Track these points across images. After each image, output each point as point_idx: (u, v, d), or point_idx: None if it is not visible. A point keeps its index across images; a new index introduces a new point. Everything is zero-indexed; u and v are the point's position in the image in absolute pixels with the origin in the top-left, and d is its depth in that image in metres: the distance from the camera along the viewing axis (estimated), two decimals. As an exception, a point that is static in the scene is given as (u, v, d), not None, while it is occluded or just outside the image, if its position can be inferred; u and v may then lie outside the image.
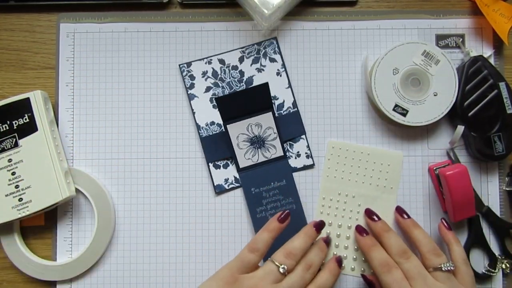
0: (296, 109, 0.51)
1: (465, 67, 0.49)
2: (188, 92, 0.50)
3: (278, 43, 0.51)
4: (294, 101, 0.51)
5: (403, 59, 0.49)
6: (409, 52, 0.49)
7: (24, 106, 0.48)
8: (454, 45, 0.52)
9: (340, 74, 0.51)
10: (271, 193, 0.49)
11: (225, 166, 0.50)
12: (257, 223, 0.49)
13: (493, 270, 0.49)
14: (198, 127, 0.50)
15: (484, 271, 0.49)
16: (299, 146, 0.50)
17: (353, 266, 0.49)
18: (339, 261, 0.46)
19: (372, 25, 0.52)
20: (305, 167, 0.50)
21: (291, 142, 0.50)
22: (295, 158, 0.50)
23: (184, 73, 0.51)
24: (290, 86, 0.51)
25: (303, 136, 0.50)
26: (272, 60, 0.51)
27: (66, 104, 0.51)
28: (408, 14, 0.52)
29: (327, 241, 0.47)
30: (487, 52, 0.51)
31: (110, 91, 0.51)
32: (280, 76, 0.51)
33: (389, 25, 0.52)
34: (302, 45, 0.52)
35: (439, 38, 0.52)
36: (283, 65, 0.51)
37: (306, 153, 0.50)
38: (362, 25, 0.52)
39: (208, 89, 0.51)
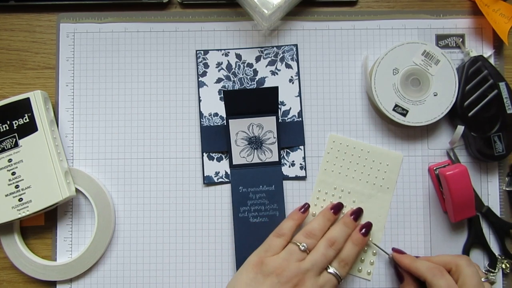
0: (300, 119, 0.51)
1: (465, 67, 0.49)
2: (199, 79, 0.51)
3: (297, 51, 0.51)
4: (301, 110, 0.51)
5: (403, 59, 0.49)
6: (409, 52, 0.49)
7: (24, 106, 0.48)
8: (454, 45, 0.52)
9: (340, 74, 0.51)
10: (257, 195, 0.49)
11: (219, 159, 0.50)
12: (238, 222, 0.49)
13: (493, 270, 0.49)
14: (201, 115, 0.50)
15: (484, 271, 0.49)
16: (296, 155, 0.50)
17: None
18: (364, 228, 0.47)
19: (372, 25, 0.52)
20: (297, 178, 0.50)
21: (288, 150, 0.50)
22: (289, 166, 0.50)
23: (199, 60, 0.51)
24: (300, 95, 0.51)
25: (301, 147, 0.50)
26: (288, 66, 0.51)
27: (66, 104, 0.51)
28: (408, 14, 0.52)
29: (356, 215, 0.48)
30: (487, 52, 0.51)
31: (110, 91, 0.51)
32: (292, 83, 0.51)
33: (389, 25, 0.52)
34: (302, 45, 0.52)
35: (439, 38, 0.52)
36: (298, 73, 0.51)
37: (300, 164, 0.50)
38: (362, 25, 0.52)
39: (219, 80, 0.51)
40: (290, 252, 0.44)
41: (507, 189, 0.50)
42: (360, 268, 0.49)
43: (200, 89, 0.51)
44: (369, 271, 0.49)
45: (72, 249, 0.50)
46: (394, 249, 0.49)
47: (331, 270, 0.44)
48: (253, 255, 0.45)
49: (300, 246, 0.44)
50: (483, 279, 0.44)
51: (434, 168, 0.50)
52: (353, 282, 0.49)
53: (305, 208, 0.48)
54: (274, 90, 0.47)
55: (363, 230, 0.47)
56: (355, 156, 0.50)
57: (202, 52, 0.51)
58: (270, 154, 0.50)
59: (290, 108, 0.51)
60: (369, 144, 0.51)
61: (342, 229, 0.46)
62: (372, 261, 0.49)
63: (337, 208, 0.48)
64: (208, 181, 0.50)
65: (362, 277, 0.49)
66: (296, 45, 0.51)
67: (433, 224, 0.50)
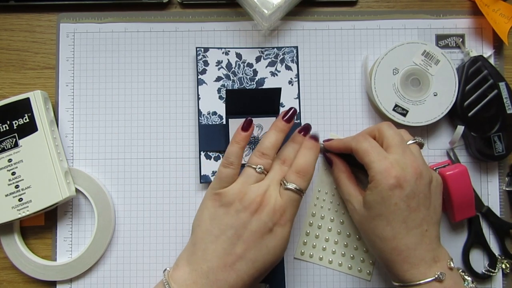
0: (299, 121, 0.50)
1: (465, 67, 0.49)
2: (198, 77, 0.50)
3: (297, 53, 0.51)
4: (300, 112, 0.51)
5: (403, 59, 0.49)
6: (409, 52, 0.49)
7: (24, 106, 0.48)
8: (454, 45, 0.52)
9: (340, 74, 0.51)
10: None
11: (216, 158, 0.50)
12: None
13: (493, 270, 0.49)
14: (199, 113, 0.50)
15: (484, 271, 0.49)
16: None
17: (340, 262, 0.49)
18: (314, 137, 0.45)
19: (372, 25, 0.52)
20: None
21: None
22: None
23: (199, 57, 0.50)
24: (299, 97, 0.51)
25: None
26: (288, 67, 0.51)
27: (66, 104, 0.51)
28: (408, 14, 0.52)
29: (305, 131, 0.45)
30: (487, 52, 0.51)
31: (110, 91, 0.51)
32: (292, 85, 0.51)
33: (389, 25, 0.52)
34: (302, 45, 0.52)
35: (439, 38, 0.52)
36: (297, 75, 0.51)
37: None
38: (362, 25, 0.52)
39: (218, 78, 0.51)
40: (247, 176, 0.42)
41: (507, 189, 0.50)
42: (360, 268, 0.49)
43: (199, 86, 0.51)
44: (369, 271, 0.49)
45: (72, 249, 0.50)
46: (324, 140, 0.50)
47: (288, 185, 0.41)
48: (209, 190, 0.43)
49: (257, 169, 0.42)
50: (410, 141, 0.44)
51: (434, 168, 0.50)
52: (353, 282, 0.49)
53: (247, 125, 0.44)
54: (277, 91, 0.47)
55: (313, 138, 0.45)
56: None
57: (202, 49, 0.51)
58: None
59: None
60: (369, 144, 0.51)
61: (292, 147, 0.44)
62: (372, 261, 0.50)
63: (290, 116, 0.45)
64: (205, 181, 0.50)
65: (362, 277, 0.49)
66: (296, 47, 0.51)
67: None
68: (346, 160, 0.49)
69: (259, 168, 0.42)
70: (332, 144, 0.48)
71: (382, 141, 0.43)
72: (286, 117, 0.45)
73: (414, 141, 0.45)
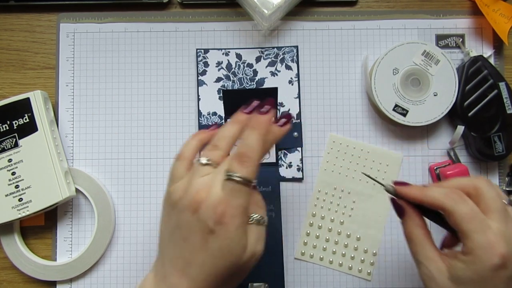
0: (299, 120, 0.50)
1: (465, 67, 0.49)
2: (199, 78, 0.51)
3: (298, 52, 0.51)
4: (299, 112, 0.51)
5: (403, 59, 0.49)
6: (409, 52, 0.49)
7: (24, 106, 0.48)
8: (454, 45, 0.52)
9: (340, 74, 0.51)
10: None
11: None
12: None
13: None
14: (199, 114, 0.50)
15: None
16: (293, 157, 0.50)
17: (341, 262, 0.49)
18: (265, 105, 0.37)
19: (372, 25, 0.52)
20: (293, 179, 0.50)
21: (285, 151, 0.50)
22: (286, 168, 0.50)
23: (199, 58, 0.51)
24: (299, 97, 0.51)
25: (299, 149, 0.50)
26: (288, 67, 0.51)
27: (66, 104, 0.51)
28: (408, 14, 0.52)
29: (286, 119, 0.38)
30: (487, 52, 0.51)
31: (110, 91, 0.51)
32: (292, 84, 0.51)
33: (389, 25, 0.52)
34: (302, 45, 0.52)
35: (439, 38, 0.52)
36: (298, 75, 0.51)
37: (298, 165, 0.50)
38: (362, 25, 0.52)
39: (218, 79, 0.51)
40: (193, 170, 0.36)
41: (507, 189, 0.50)
42: (360, 268, 0.49)
43: (199, 87, 0.51)
44: (369, 271, 0.49)
45: (72, 249, 0.50)
46: (395, 182, 0.39)
47: (228, 175, 0.34)
48: (166, 193, 0.38)
49: (201, 160, 0.36)
50: (504, 201, 0.36)
51: (435, 167, 0.50)
52: (353, 282, 0.49)
53: (214, 127, 0.40)
54: (274, 90, 0.47)
55: (265, 110, 0.37)
56: (355, 156, 0.50)
57: (202, 50, 0.51)
58: (268, 155, 0.49)
59: (289, 110, 0.51)
60: (369, 144, 0.51)
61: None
62: (372, 261, 0.50)
63: (250, 108, 0.38)
64: None
65: (362, 277, 0.49)
66: (296, 47, 0.51)
67: (433, 224, 0.50)
68: (417, 207, 0.39)
69: (203, 159, 0.36)
70: (410, 192, 0.38)
71: (479, 201, 0.36)
72: (246, 109, 0.39)
73: (510, 202, 0.37)
